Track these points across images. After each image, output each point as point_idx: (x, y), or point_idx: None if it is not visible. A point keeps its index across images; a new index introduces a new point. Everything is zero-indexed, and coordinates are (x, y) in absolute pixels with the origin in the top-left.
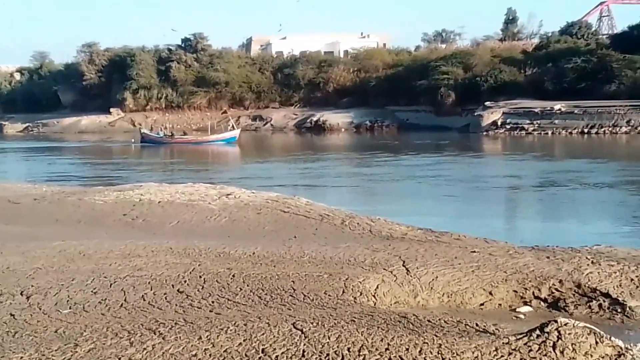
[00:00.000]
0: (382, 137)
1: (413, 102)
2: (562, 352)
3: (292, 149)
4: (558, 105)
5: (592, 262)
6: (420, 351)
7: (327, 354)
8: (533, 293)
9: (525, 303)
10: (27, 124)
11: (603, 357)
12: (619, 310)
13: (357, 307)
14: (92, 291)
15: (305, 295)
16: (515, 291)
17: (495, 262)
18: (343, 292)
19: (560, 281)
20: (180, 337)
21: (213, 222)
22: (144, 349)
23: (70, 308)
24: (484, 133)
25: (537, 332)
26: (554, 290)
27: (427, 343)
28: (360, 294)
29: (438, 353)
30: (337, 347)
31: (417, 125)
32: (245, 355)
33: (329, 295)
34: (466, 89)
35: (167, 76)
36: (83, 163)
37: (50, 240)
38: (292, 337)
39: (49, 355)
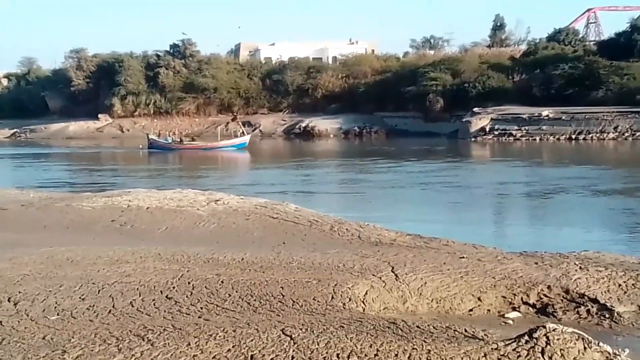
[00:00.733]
0: (371, 143)
1: (401, 108)
2: (550, 358)
3: (290, 155)
4: (546, 112)
5: (580, 268)
6: (409, 357)
7: None
8: (521, 299)
9: (513, 309)
10: (14, 130)
11: None
12: (607, 315)
13: (346, 313)
14: (80, 297)
15: (294, 301)
16: (503, 297)
17: (483, 268)
18: (332, 298)
19: (549, 287)
20: (168, 343)
21: (202, 228)
22: (133, 355)
23: (58, 314)
24: (472, 139)
25: (526, 337)
26: (542, 296)
27: (416, 349)
28: (349, 299)
29: (427, 359)
30: (326, 353)
31: (405, 131)
32: None
33: (318, 301)
34: (454, 95)
35: (156, 82)
36: (80, 169)
37: (37, 246)
38: (281, 343)
39: None
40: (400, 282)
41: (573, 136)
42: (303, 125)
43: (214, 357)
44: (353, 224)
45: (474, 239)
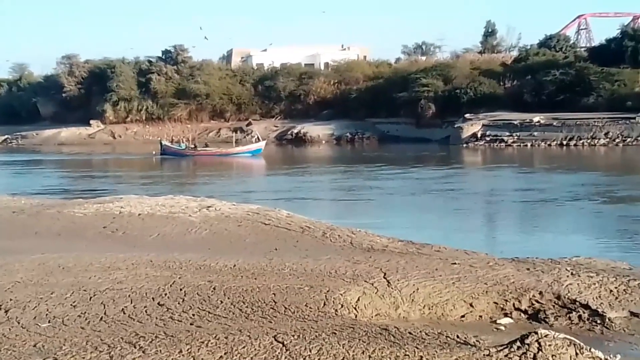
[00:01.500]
0: (363, 149)
1: (393, 114)
2: None
3: (283, 161)
4: (537, 118)
5: (572, 274)
6: None
7: None
8: (513, 304)
9: (505, 314)
10: (5, 136)
11: None
12: (599, 321)
13: (338, 319)
14: (71, 305)
15: (286, 308)
16: (495, 303)
17: (475, 274)
18: (324, 304)
19: (541, 293)
20: (160, 350)
21: (194, 235)
22: None
23: (49, 322)
24: (464, 145)
25: (518, 343)
26: (534, 302)
27: (408, 355)
28: (342, 306)
29: None
30: (319, 359)
31: (397, 137)
32: None
33: (310, 307)
34: (446, 101)
35: (148, 88)
36: (84, 176)
37: (29, 253)
38: (273, 350)
39: None
40: (392, 288)
41: (564, 142)
42: (295, 131)
43: None
44: (345, 230)
45: (466, 245)
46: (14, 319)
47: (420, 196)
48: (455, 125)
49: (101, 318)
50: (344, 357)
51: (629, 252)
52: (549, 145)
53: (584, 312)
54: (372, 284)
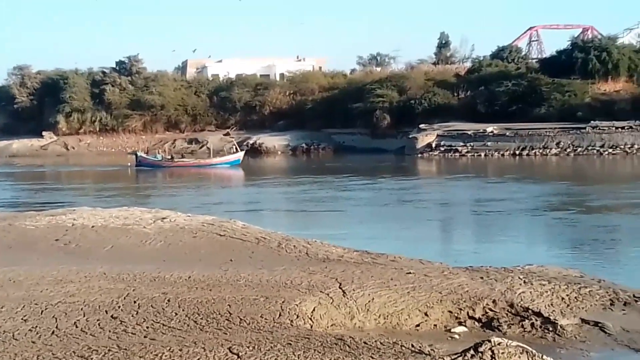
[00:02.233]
0: (319, 159)
1: (349, 124)
2: None
3: (259, 172)
4: (490, 128)
5: (525, 282)
6: None
7: None
8: (467, 313)
9: (460, 323)
10: None
11: None
12: (551, 328)
13: (293, 330)
14: (22, 319)
15: (241, 319)
16: (450, 311)
17: (430, 283)
18: (279, 315)
19: (494, 301)
20: None
21: (148, 247)
22: None
23: None
24: (419, 155)
25: (472, 351)
26: (487, 310)
27: None
28: (297, 316)
29: None
30: None
31: (353, 147)
32: None
33: (265, 318)
34: (401, 111)
35: (101, 99)
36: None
37: None
38: None
39: None
40: (347, 298)
41: (517, 152)
42: (251, 142)
43: None
44: (301, 241)
45: (420, 255)
46: None
47: (373, 206)
48: (410, 136)
49: (53, 332)
50: None
51: (581, 260)
52: (502, 155)
53: (536, 320)
54: (328, 294)
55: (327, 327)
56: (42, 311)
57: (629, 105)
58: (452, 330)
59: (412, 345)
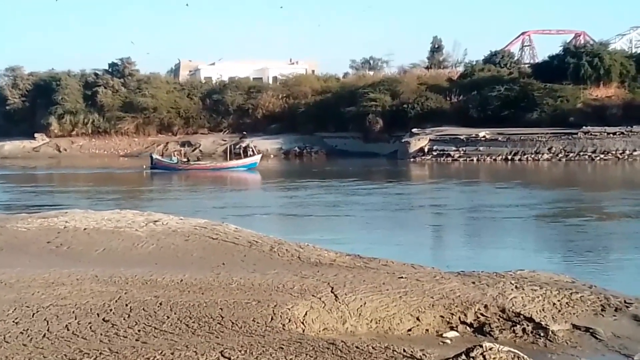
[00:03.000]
0: (311, 163)
1: (341, 128)
2: None
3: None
4: (483, 133)
5: (516, 287)
6: None
7: None
8: (459, 318)
9: (451, 328)
10: None
11: None
12: (542, 334)
13: (285, 334)
14: (13, 321)
15: (233, 323)
16: (442, 316)
17: (422, 288)
18: (271, 319)
19: (486, 306)
20: None
21: (140, 249)
22: None
23: None
24: (412, 159)
25: (463, 356)
26: (479, 315)
27: None
28: (289, 320)
29: None
30: None
31: (345, 151)
32: None
33: (257, 322)
34: (394, 115)
35: (94, 101)
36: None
37: None
38: None
39: None
40: (339, 302)
41: (509, 157)
42: (243, 145)
43: None
44: (293, 245)
45: (413, 259)
46: None
47: (366, 210)
48: (403, 140)
49: (44, 335)
50: None
51: (572, 265)
52: (495, 160)
53: (527, 325)
54: (320, 299)
55: (319, 331)
56: (33, 314)
57: (620, 110)
58: (444, 335)
59: (404, 350)
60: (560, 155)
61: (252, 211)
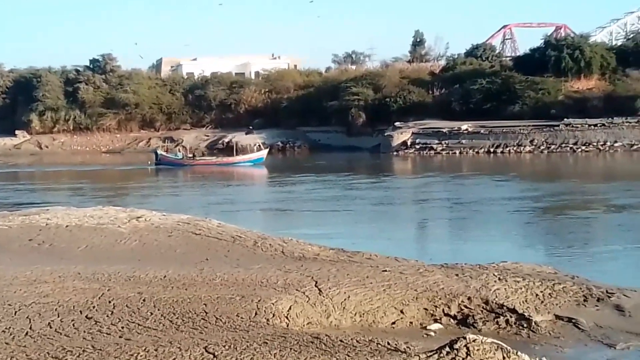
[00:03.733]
0: (294, 158)
1: (324, 122)
2: None
3: (212, 171)
4: (465, 126)
5: (499, 279)
6: None
7: None
8: (443, 310)
9: (435, 320)
10: None
11: None
12: (525, 325)
13: (269, 328)
14: None
15: (217, 318)
16: (425, 309)
17: (406, 281)
18: (255, 314)
19: (469, 298)
20: None
21: (123, 246)
22: None
23: None
24: (394, 153)
25: (447, 349)
26: (463, 307)
27: None
28: (273, 315)
29: None
30: None
31: (328, 145)
32: None
33: (242, 317)
34: (376, 109)
35: (75, 97)
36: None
37: None
38: None
39: None
40: (323, 296)
41: (491, 149)
42: (226, 140)
43: None
44: (276, 239)
45: (396, 252)
46: None
47: (350, 204)
48: (386, 134)
49: (27, 333)
50: None
51: (555, 256)
52: (477, 152)
53: (511, 317)
54: (304, 293)
55: (303, 325)
56: (15, 312)
57: (601, 102)
58: (428, 327)
59: (388, 343)
60: (542, 147)
61: (242, 207)
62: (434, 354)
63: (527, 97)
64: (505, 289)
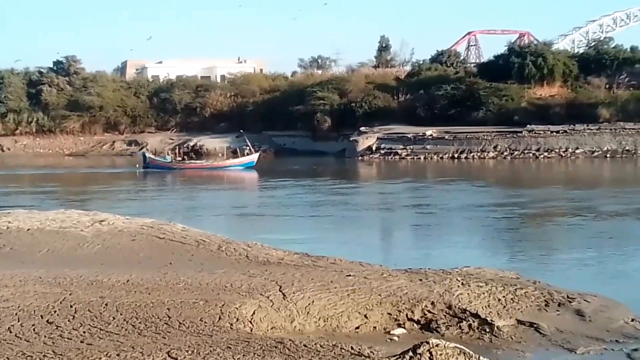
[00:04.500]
0: (260, 162)
1: (290, 127)
2: None
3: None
4: (430, 131)
5: (462, 284)
6: None
7: None
8: (406, 315)
9: (399, 325)
10: None
11: None
12: (488, 330)
13: (233, 333)
14: None
15: (180, 323)
16: (389, 314)
17: (370, 286)
18: (219, 318)
19: (432, 303)
20: None
21: (85, 250)
22: None
23: None
24: (360, 158)
25: (410, 353)
26: (426, 312)
27: None
28: (237, 320)
29: None
30: None
31: (294, 150)
32: None
33: (205, 322)
34: (342, 114)
35: (38, 100)
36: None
37: None
38: None
39: None
40: (287, 301)
41: (455, 155)
42: (191, 144)
43: None
44: (241, 244)
45: (361, 257)
46: None
47: (313, 208)
48: (351, 139)
49: None
50: None
51: (518, 261)
52: (441, 158)
53: (473, 321)
54: (268, 297)
55: (267, 330)
56: None
57: (563, 109)
58: (392, 332)
59: (352, 348)
60: (505, 153)
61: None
62: (397, 358)
63: (491, 104)
64: (468, 293)
